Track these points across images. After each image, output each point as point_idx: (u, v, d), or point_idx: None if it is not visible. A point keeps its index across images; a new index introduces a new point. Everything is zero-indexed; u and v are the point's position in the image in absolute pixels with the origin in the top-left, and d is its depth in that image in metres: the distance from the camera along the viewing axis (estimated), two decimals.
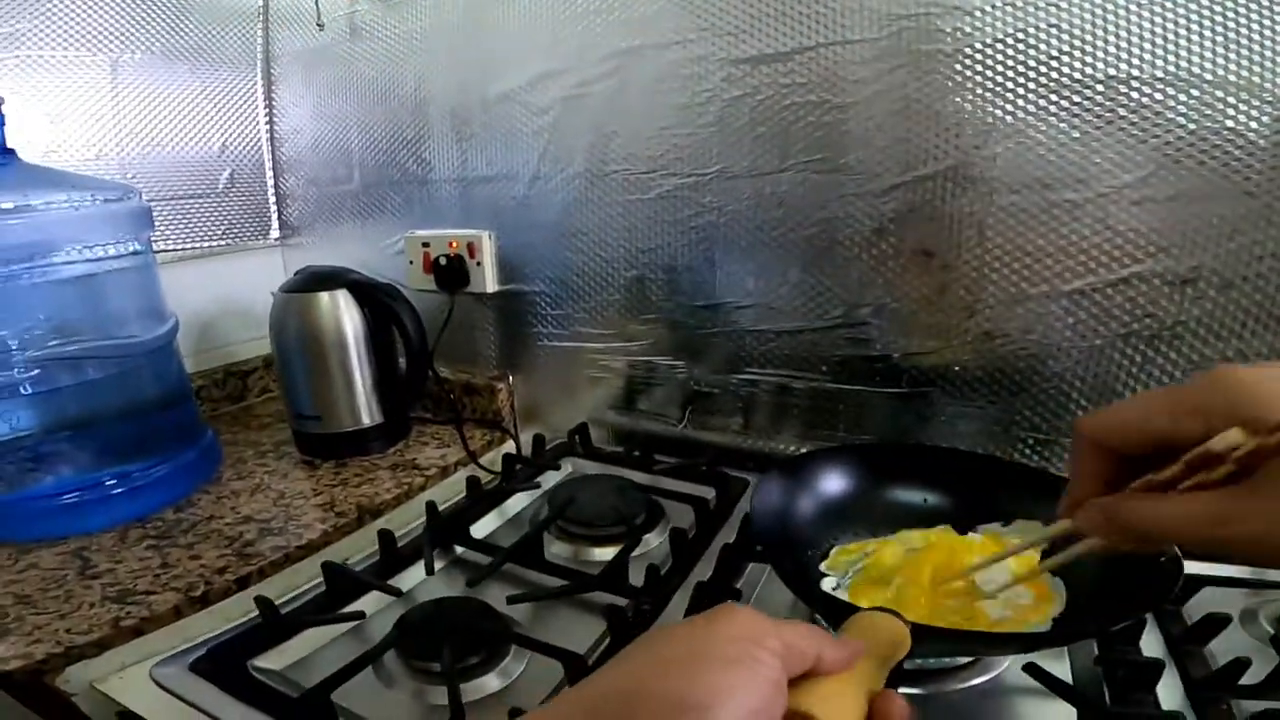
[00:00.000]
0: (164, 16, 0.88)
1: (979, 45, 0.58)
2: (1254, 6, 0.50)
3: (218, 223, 0.97)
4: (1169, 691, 0.43)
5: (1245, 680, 0.41)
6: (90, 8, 0.82)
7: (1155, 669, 0.41)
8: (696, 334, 0.77)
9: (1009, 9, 0.57)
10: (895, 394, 0.69)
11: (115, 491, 0.69)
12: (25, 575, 0.60)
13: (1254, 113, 0.52)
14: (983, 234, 0.62)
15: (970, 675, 0.45)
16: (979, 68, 0.59)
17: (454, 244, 0.86)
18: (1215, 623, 0.46)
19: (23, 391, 0.66)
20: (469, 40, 0.83)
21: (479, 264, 0.86)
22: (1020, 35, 0.57)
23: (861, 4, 0.62)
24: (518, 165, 0.82)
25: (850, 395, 0.71)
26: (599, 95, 0.75)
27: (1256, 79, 0.51)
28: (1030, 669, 0.42)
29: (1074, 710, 0.41)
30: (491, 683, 0.46)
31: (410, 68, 0.87)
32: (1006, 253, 0.62)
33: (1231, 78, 0.52)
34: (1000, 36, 0.58)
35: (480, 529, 0.66)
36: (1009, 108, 0.58)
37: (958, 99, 0.60)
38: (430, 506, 0.65)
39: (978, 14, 0.58)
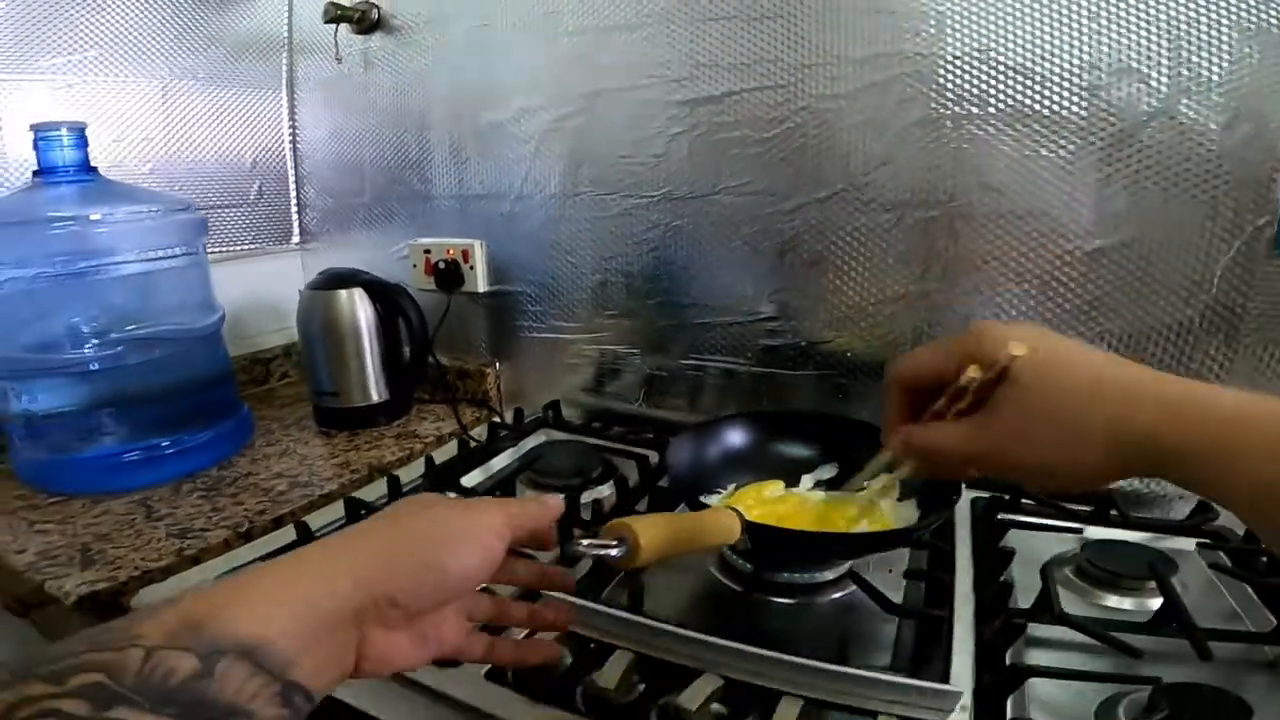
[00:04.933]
0: (205, 46, 1.01)
1: (852, 90, 0.74)
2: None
3: (248, 229, 1.12)
4: (963, 605, 0.54)
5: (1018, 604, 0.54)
6: (145, 39, 0.94)
7: (947, 583, 0.55)
8: (652, 327, 0.92)
9: (878, 59, 0.72)
10: (808, 375, 0.84)
11: (169, 452, 0.83)
12: (101, 519, 0.73)
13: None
14: (865, 245, 0.77)
15: (834, 590, 0.59)
16: (857, 107, 0.74)
17: (451, 251, 1.02)
18: (1005, 556, 0.59)
19: (95, 368, 0.80)
20: (466, 76, 0.97)
21: (472, 268, 1.01)
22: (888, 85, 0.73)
23: (775, 56, 0.77)
24: (505, 185, 0.98)
25: (774, 377, 0.86)
26: (571, 129, 0.91)
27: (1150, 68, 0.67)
28: (852, 576, 0.57)
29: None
30: None
31: (416, 97, 1.02)
32: (882, 260, 0.77)
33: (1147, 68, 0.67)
34: (867, 85, 0.74)
35: (469, 480, 0.81)
36: (884, 143, 0.74)
37: (844, 135, 0.75)
38: (429, 460, 0.81)
39: (850, 68, 0.74)
